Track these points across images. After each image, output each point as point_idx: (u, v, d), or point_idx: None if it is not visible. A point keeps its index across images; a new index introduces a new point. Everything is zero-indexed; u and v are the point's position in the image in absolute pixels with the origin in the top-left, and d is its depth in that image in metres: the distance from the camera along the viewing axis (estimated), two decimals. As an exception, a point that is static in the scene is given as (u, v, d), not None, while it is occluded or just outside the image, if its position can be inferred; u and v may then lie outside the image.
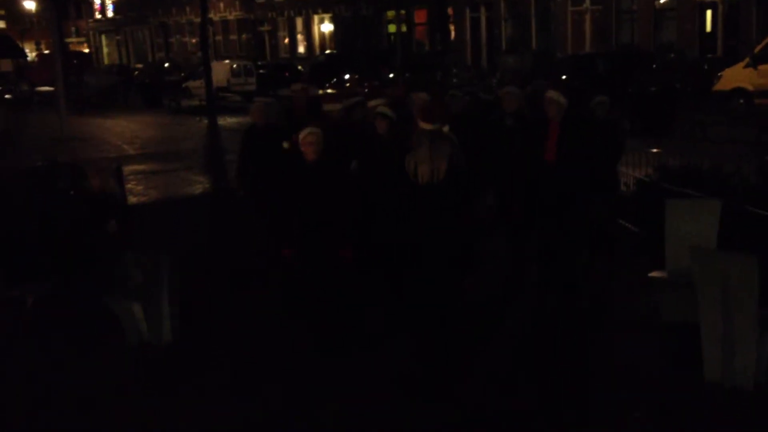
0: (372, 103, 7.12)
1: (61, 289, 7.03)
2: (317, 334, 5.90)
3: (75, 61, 38.47)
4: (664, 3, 29.69)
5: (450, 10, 26.96)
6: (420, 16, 38.36)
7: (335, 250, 5.76)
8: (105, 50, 62.36)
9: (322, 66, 36.11)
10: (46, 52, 48.89)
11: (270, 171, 7.15)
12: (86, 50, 59.60)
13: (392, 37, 40.24)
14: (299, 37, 45.63)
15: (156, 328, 6.30)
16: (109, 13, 59.17)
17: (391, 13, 39.90)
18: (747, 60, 19.28)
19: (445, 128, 5.44)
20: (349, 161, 6.63)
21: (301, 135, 5.90)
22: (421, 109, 5.67)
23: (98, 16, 61.33)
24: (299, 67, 38.34)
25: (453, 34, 33.66)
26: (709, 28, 28.47)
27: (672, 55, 25.20)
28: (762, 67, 18.15)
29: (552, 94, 6.43)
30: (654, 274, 6.37)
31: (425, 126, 5.39)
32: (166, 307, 6.29)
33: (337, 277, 5.80)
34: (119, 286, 6.39)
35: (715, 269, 5.01)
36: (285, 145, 6.66)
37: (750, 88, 18.76)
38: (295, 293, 6.30)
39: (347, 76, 29.79)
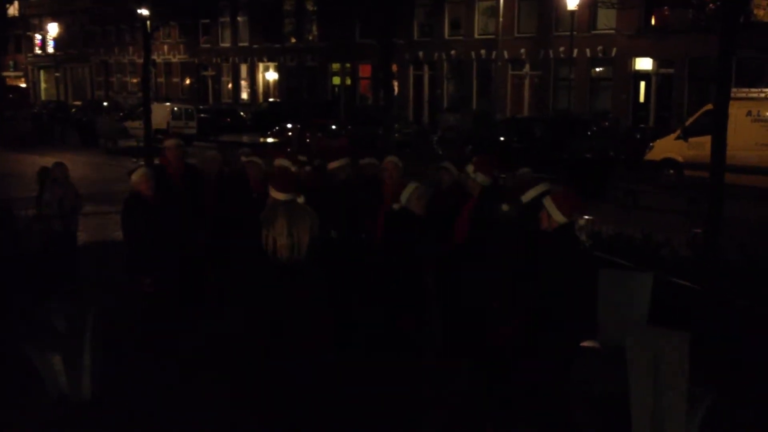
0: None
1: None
2: None
3: (11, 96, 37.59)
4: (599, 72, 30.73)
5: (394, 67, 27.35)
6: (365, 71, 38.88)
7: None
8: (43, 86, 61.25)
9: (264, 114, 36.17)
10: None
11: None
12: (23, 85, 58.38)
13: (336, 89, 40.60)
14: (243, 83, 45.66)
15: (76, 382, 6.02)
16: (50, 49, 58.23)
17: (336, 66, 40.33)
18: (678, 132, 19.97)
19: (300, 198, 5.02)
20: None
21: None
22: (274, 178, 5.50)
23: (38, 51, 60.31)
24: (242, 114, 38.31)
25: (396, 90, 34.13)
26: (642, 98, 29.58)
27: (606, 123, 25.96)
28: (692, 140, 18.77)
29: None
30: (586, 343, 6.40)
31: (279, 196, 5.18)
32: (87, 361, 6.03)
33: None
34: (41, 335, 6.11)
35: (648, 345, 5.05)
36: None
37: (680, 159, 19.39)
38: None
39: (290, 125, 29.80)
